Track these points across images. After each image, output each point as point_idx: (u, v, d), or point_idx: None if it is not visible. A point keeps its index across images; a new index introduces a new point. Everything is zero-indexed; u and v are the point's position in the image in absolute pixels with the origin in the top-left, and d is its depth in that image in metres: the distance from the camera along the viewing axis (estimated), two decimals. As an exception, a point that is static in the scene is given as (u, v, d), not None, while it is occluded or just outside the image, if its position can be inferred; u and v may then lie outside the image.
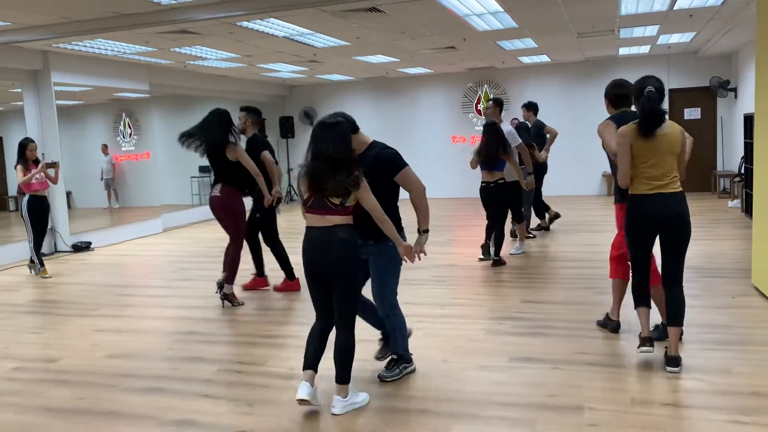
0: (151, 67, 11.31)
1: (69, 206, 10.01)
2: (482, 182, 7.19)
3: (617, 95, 4.77)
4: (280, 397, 3.78)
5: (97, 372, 4.38)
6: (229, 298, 5.94)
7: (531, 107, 9.28)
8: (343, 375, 3.50)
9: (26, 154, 7.72)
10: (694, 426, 3.18)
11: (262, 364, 4.39)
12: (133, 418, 3.61)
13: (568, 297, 5.71)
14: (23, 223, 7.91)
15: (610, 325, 4.70)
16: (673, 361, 3.87)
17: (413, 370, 4.07)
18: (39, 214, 7.89)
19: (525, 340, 4.61)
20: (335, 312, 3.50)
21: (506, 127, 7.48)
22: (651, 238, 3.94)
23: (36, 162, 7.82)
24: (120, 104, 11.79)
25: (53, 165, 7.99)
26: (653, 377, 3.78)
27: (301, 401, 3.43)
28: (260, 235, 6.42)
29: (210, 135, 5.72)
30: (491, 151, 6.98)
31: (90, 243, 9.97)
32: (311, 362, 3.50)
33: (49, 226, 9.50)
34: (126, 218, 11.72)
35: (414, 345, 4.60)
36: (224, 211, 5.93)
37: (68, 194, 10.04)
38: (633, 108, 4.74)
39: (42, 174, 7.81)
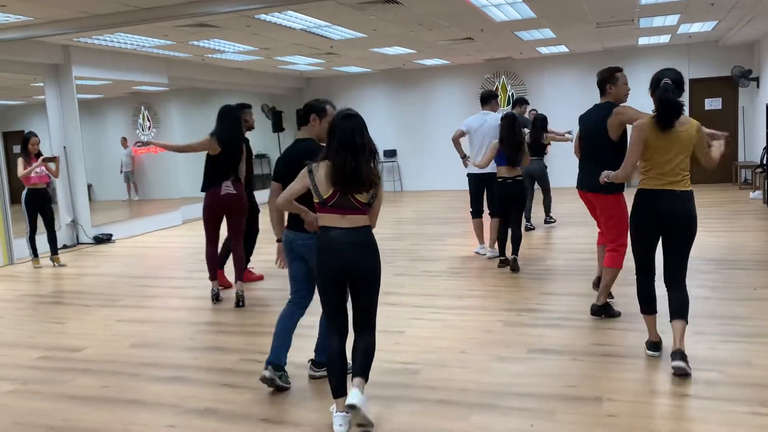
0: (170, 61, 11.40)
1: (90, 199, 10.16)
2: (500, 177, 6.65)
3: (597, 84, 4.69)
4: (301, 387, 3.82)
5: (120, 361, 4.46)
6: (243, 295, 5.76)
7: (516, 102, 9.19)
8: (367, 371, 3.21)
9: (28, 148, 7.80)
10: (713, 418, 3.17)
11: (281, 354, 4.43)
12: (157, 406, 3.68)
13: (586, 289, 5.68)
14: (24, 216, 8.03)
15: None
16: (677, 354, 3.61)
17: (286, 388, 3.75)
18: (36, 207, 7.97)
19: (543, 332, 4.61)
20: (359, 316, 3.23)
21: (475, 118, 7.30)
22: (656, 235, 3.79)
23: (38, 156, 7.91)
24: (139, 97, 11.90)
25: (53, 159, 8.06)
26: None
27: None
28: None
29: (238, 130, 5.79)
30: (518, 141, 6.52)
31: (111, 235, 10.10)
32: (343, 388, 3.19)
33: (71, 218, 9.70)
34: (146, 210, 11.86)
35: (432, 336, 4.65)
36: (237, 209, 5.79)
37: (89, 187, 10.18)
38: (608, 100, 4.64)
39: (42, 168, 7.90)
